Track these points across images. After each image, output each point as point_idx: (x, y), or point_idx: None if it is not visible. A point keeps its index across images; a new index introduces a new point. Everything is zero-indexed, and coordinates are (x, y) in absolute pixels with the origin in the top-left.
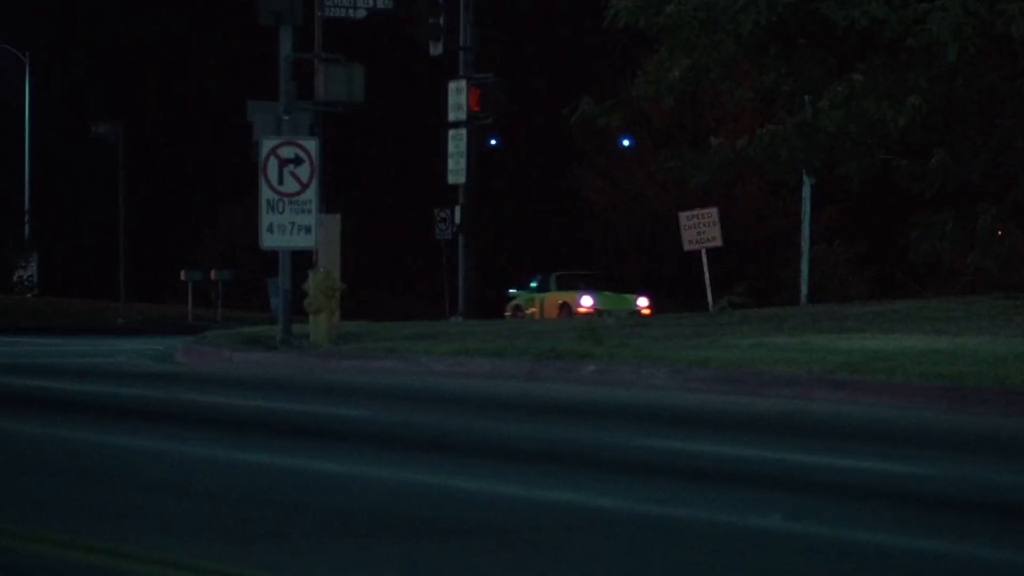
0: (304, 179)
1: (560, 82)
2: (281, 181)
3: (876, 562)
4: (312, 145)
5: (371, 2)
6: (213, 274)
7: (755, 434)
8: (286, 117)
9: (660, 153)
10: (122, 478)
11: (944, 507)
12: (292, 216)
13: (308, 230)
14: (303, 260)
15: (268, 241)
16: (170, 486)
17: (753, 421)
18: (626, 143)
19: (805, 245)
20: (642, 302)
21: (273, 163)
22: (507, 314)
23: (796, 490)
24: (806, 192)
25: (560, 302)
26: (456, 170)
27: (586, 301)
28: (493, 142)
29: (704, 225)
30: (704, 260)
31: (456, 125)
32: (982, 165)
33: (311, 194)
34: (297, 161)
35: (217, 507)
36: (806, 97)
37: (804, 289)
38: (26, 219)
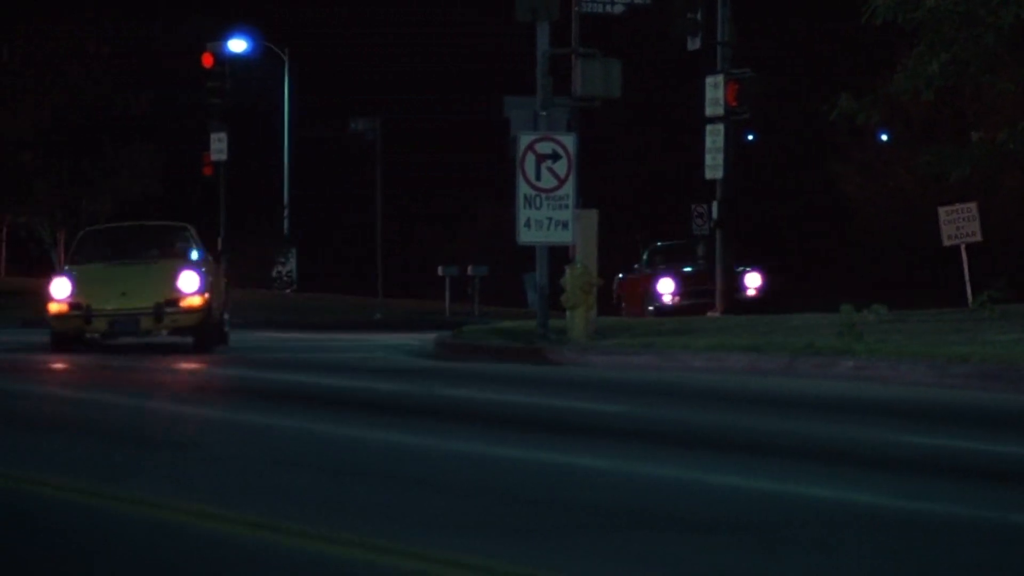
0: (561, 175)
1: (817, 77)
2: (539, 177)
3: None
4: (569, 140)
5: None
6: (470, 269)
7: (1015, 431)
8: (543, 113)
9: (919, 148)
10: (378, 474)
11: None
12: (549, 211)
13: (565, 225)
14: (560, 255)
15: (525, 236)
16: (428, 482)
17: (1013, 418)
18: (884, 138)
19: None
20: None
21: (530, 159)
22: None
23: None
24: None
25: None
26: (713, 165)
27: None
28: (751, 137)
29: (964, 220)
30: (963, 255)
31: (713, 120)
32: None
33: (568, 189)
34: (554, 157)
35: (475, 502)
36: None
37: None
38: (285, 215)
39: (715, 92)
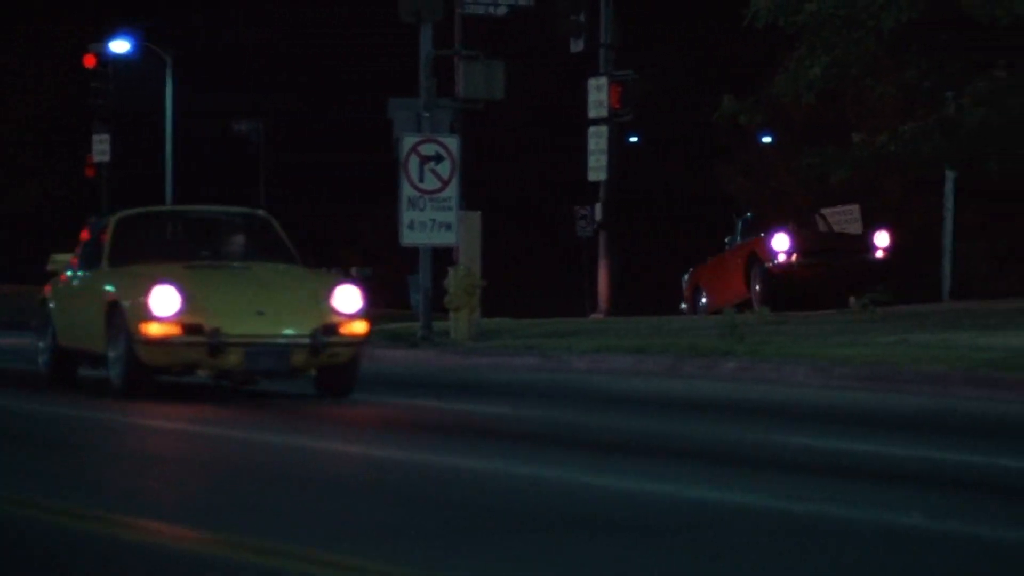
0: (445, 176)
1: (701, 79)
2: (422, 178)
3: (1018, 560)
4: (453, 142)
5: None
6: (354, 271)
7: (898, 432)
8: (426, 114)
9: (801, 149)
10: (247, 472)
11: None
12: (433, 213)
13: (449, 227)
14: (443, 257)
15: (408, 238)
16: (297, 481)
17: (896, 419)
18: (767, 140)
19: (947, 242)
20: (880, 240)
21: (414, 160)
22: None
23: (938, 488)
24: (948, 189)
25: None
26: (597, 167)
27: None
28: (634, 139)
29: (846, 221)
30: None
31: (597, 122)
32: None
33: (452, 191)
34: (438, 158)
35: (352, 501)
36: (948, 93)
37: (946, 287)
38: None
39: (598, 94)
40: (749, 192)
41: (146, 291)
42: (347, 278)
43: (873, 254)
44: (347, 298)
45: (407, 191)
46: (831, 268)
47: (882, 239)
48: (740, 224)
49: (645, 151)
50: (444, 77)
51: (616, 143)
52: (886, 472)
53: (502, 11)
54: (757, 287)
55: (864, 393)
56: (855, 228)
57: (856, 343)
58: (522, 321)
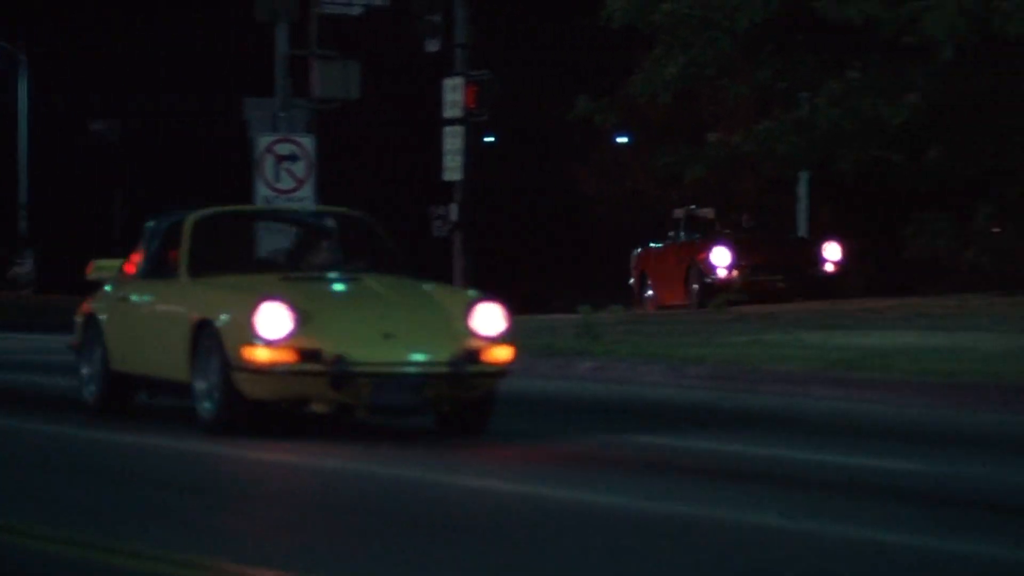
0: (300, 176)
1: (557, 79)
2: (277, 178)
3: (870, 558)
4: (308, 141)
5: None
6: None
7: (751, 431)
8: (282, 114)
9: (657, 149)
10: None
11: (938, 504)
12: None
13: None
14: None
15: None
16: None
17: (749, 418)
18: (624, 140)
19: None
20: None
21: (270, 160)
22: None
23: (792, 486)
24: (803, 189)
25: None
26: (452, 167)
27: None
28: (490, 139)
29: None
30: None
31: (452, 122)
32: (979, 162)
33: (307, 191)
34: (293, 158)
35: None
36: (803, 94)
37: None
38: (22, 216)
39: (454, 94)
40: (605, 192)
41: (250, 309)
42: (486, 295)
43: (822, 268)
44: (489, 318)
45: (262, 191)
46: (775, 286)
47: (832, 251)
48: (684, 219)
49: (501, 151)
50: (300, 77)
51: (472, 143)
52: (735, 471)
53: (357, 11)
54: (697, 299)
55: (716, 392)
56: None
57: (711, 343)
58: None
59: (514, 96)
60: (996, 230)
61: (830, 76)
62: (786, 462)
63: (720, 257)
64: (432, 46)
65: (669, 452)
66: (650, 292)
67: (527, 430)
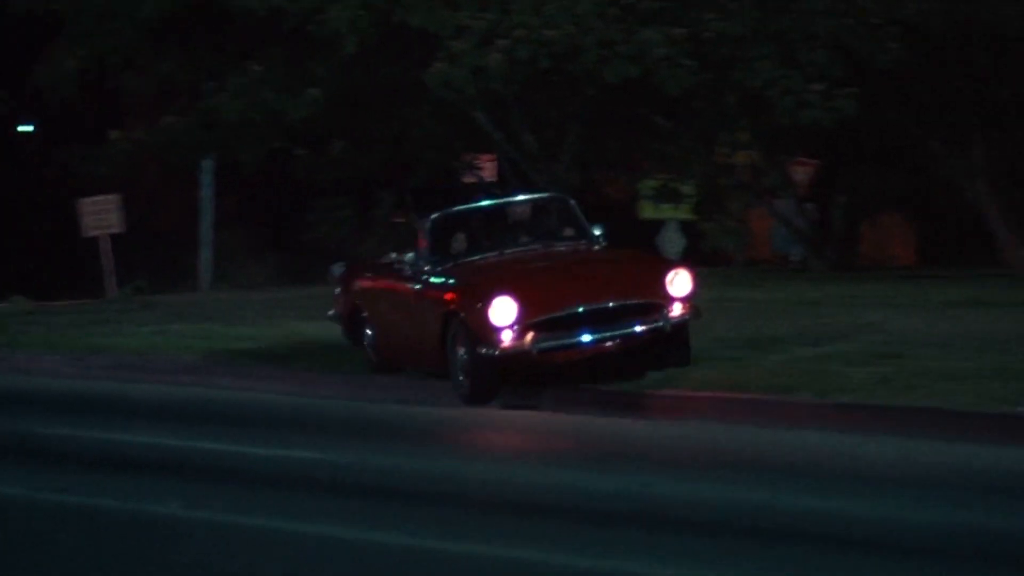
0: None
1: None
2: None
3: (268, 545)
4: None
5: None
6: None
7: (155, 421)
8: None
9: (64, 142)
10: None
11: (340, 493)
12: None
13: None
14: None
15: None
16: None
17: (152, 407)
18: (28, 129)
19: (207, 232)
20: None
21: None
22: None
23: (196, 477)
24: (207, 179)
25: None
26: None
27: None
28: None
29: (105, 211)
30: (106, 247)
31: None
32: (381, 154)
33: None
34: None
35: None
36: (209, 85)
37: (207, 276)
38: None
39: None
40: (12, 182)
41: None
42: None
43: (667, 314)
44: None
45: None
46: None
47: (682, 284)
48: (427, 227)
49: None
50: None
51: None
52: (142, 461)
53: None
54: (463, 376)
55: (117, 383)
56: (113, 218)
57: (118, 332)
58: None
59: None
60: (399, 220)
61: (232, 68)
62: (190, 452)
63: (503, 312)
64: None
65: (68, 442)
66: (371, 335)
67: None
